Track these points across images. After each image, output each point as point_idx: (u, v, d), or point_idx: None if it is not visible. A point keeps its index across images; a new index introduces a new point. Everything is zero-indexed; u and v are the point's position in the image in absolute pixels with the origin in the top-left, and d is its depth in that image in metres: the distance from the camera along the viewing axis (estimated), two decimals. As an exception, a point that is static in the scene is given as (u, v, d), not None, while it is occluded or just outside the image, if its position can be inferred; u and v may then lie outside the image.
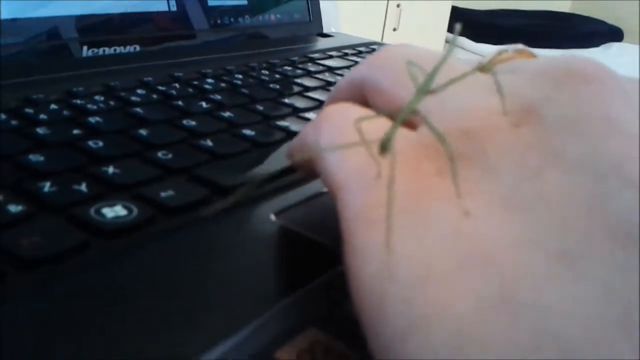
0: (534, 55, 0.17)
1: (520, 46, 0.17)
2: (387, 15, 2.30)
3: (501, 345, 0.10)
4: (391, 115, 0.16)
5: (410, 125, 0.16)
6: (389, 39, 2.00)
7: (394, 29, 2.29)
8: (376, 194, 0.13)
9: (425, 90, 0.14)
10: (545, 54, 0.15)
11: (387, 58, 0.18)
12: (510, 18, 2.70)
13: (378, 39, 0.88)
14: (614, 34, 2.74)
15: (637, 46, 2.54)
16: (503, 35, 2.24)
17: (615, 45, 2.62)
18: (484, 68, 0.17)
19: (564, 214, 0.12)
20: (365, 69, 0.18)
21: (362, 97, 0.19)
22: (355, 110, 0.17)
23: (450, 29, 2.28)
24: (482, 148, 0.13)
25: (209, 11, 0.45)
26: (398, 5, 2.29)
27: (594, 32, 2.68)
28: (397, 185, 0.13)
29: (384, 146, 0.13)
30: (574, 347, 0.10)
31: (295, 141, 0.19)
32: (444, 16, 2.37)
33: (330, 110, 0.17)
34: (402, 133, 0.15)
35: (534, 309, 0.10)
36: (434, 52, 0.17)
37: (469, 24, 2.49)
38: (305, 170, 0.19)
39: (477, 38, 2.30)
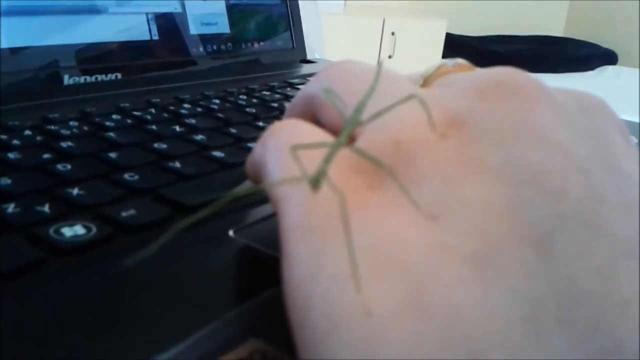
0: (472, 69, 0.18)
1: (459, 60, 0.18)
2: (382, 43, 2.33)
3: (410, 341, 0.10)
4: (334, 132, 0.16)
5: (351, 136, 0.16)
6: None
7: (390, 56, 2.32)
8: (311, 206, 0.14)
9: (355, 121, 0.15)
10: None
11: (333, 74, 0.18)
12: (505, 43, 2.73)
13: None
14: (608, 57, 2.77)
15: (632, 69, 2.56)
16: (498, 61, 2.26)
17: (610, 68, 2.64)
18: (424, 82, 0.18)
19: (481, 220, 0.12)
20: (314, 84, 0.19)
21: (313, 112, 0.19)
22: (301, 127, 0.17)
23: (445, 55, 2.31)
24: (410, 159, 0.14)
25: (191, 39, 0.46)
26: (393, 33, 2.33)
27: (588, 56, 2.71)
28: (330, 198, 0.13)
29: (315, 182, 0.13)
30: (479, 346, 0.10)
31: (249, 156, 0.19)
32: (438, 43, 2.41)
33: (277, 127, 0.17)
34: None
35: (443, 308, 0.11)
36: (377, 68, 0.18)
37: (464, 50, 2.52)
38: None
39: (472, 64, 2.33)
